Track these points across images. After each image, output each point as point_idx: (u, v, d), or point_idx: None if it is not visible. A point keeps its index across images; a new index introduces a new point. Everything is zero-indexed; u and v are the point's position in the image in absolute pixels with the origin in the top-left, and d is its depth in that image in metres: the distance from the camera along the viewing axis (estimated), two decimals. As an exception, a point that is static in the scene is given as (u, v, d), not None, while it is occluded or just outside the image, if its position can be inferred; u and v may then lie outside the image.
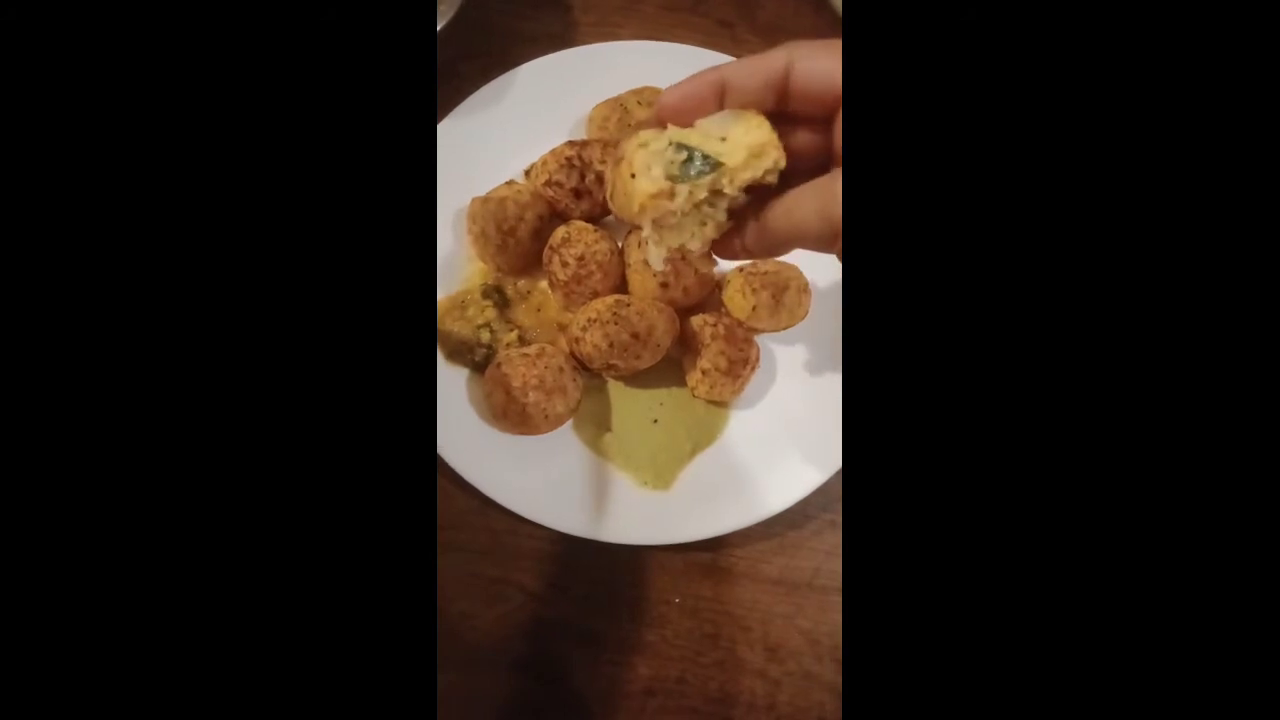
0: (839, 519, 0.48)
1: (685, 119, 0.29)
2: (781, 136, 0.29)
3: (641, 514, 0.46)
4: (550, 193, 0.47)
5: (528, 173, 0.50)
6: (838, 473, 0.46)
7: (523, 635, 0.46)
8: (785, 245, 0.30)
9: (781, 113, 0.29)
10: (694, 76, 0.29)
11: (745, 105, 0.29)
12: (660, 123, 0.30)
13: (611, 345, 0.44)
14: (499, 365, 0.45)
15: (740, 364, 0.46)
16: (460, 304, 0.48)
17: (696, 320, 0.47)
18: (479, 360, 0.47)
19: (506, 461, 0.46)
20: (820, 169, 0.30)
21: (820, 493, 0.46)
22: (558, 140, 0.49)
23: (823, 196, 0.28)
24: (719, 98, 0.29)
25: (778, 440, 0.47)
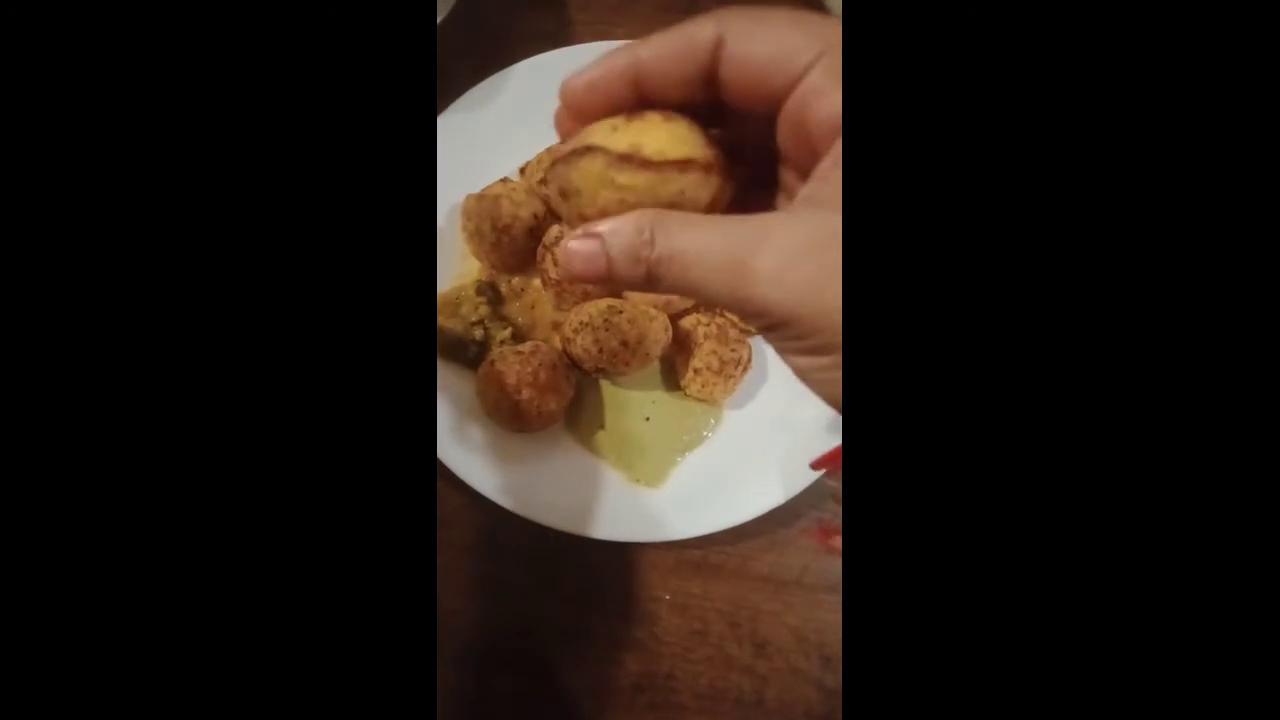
0: (828, 517, 0.49)
1: (591, 115, 0.23)
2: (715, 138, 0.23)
3: (633, 511, 0.46)
4: (545, 191, 0.47)
5: (522, 171, 0.50)
6: (826, 472, 0.47)
7: (512, 631, 0.46)
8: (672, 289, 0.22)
9: (715, 106, 0.23)
10: (604, 59, 0.23)
11: (665, 98, 0.23)
12: (563, 116, 0.24)
13: (601, 351, 0.44)
14: (492, 362, 0.45)
15: (732, 364, 0.46)
16: (454, 301, 0.48)
17: (689, 320, 0.47)
18: (472, 357, 0.47)
19: (498, 458, 0.46)
20: (762, 181, 0.24)
21: (809, 491, 0.47)
22: (552, 139, 0.48)
23: (727, 246, 0.21)
24: (634, 88, 0.23)
25: (769, 440, 0.48)
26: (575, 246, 0.22)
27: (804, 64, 0.21)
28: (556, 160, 0.23)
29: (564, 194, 0.23)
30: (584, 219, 0.23)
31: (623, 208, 0.22)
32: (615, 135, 0.22)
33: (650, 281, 0.22)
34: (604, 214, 0.23)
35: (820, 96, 0.21)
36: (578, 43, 0.54)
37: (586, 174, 0.22)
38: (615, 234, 0.22)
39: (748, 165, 0.24)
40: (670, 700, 0.46)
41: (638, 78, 0.22)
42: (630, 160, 0.21)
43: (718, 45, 0.22)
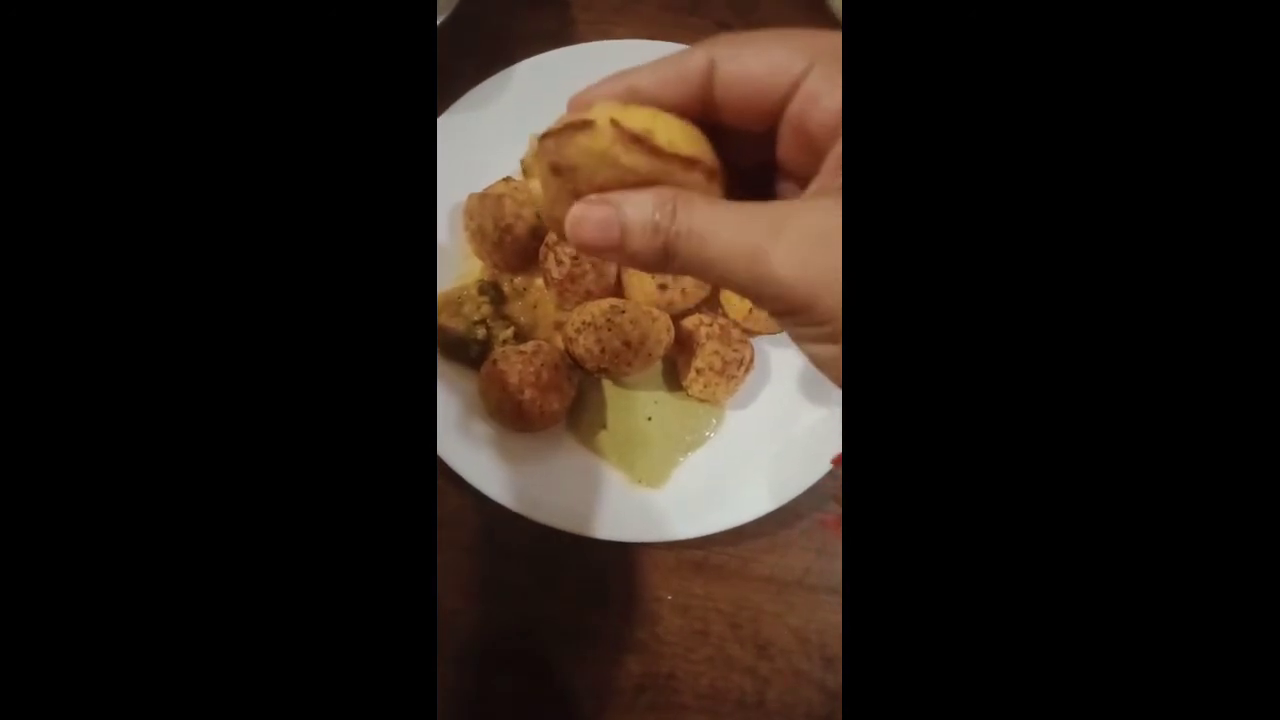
0: (829, 518, 0.49)
1: None
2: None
3: (634, 512, 0.46)
4: (530, 171, 0.47)
5: (525, 170, 0.50)
6: (828, 473, 0.47)
7: (512, 631, 0.46)
8: (697, 273, 0.22)
9: (714, 125, 0.23)
10: (603, 81, 0.23)
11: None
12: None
13: (603, 351, 0.44)
14: (495, 362, 0.45)
15: (734, 364, 0.46)
16: (456, 300, 0.48)
17: (691, 320, 0.47)
18: (474, 357, 0.47)
19: (500, 457, 0.46)
20: (757, 194, 0.24)
21: (811, 492, 0.47)
22: (555, 138, 0.49)
23: (746, 228, 0.21)
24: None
25: (770, 441, 0.48)
26: (585, 212, 0.21)
27: (797, 73, 0.22)
28: (550, 134, 0.21)
29: (556, 170, 0.22)
30: (575, 196, 0.22)
31: (620, 190, 0.21)
32: (626, 112, 0.20)
33: (665, 257, 0.21)
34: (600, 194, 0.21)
35: (819, 99, 0.22)
36: (580, 42, 0.54)
37: (587, 150, 0.20)
38: (634, 204, 0.21)
39: (744, 182, 0.24)
40: (671, 701, 0.46)
41: (636, 101, 0.22)
42: (641, 143, 0.20)
43: (709, 69, 0.22)
